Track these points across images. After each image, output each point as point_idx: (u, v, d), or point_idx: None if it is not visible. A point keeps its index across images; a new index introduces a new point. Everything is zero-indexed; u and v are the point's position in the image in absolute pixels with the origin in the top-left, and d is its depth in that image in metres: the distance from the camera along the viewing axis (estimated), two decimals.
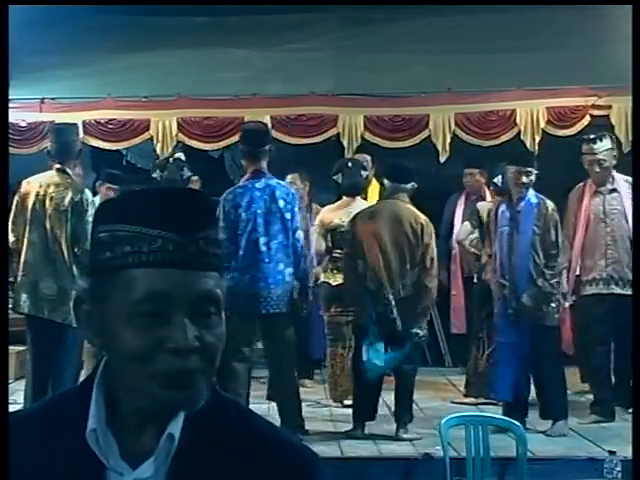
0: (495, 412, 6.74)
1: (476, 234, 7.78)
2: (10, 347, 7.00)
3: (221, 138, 9.06)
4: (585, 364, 7.57)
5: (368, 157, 8.38)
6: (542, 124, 8.88)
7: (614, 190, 7.31)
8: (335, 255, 7.67)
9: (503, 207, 7.04)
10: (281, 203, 6.59)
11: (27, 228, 6.65)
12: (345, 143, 8.98)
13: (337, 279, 7.56)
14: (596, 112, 8.83)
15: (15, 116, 8.68)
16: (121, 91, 9.10)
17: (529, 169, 6.90)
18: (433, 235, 6.94)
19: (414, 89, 9.03)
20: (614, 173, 7.34)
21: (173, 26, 9.67)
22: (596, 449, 6.41)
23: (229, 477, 1.44)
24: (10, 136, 8.02)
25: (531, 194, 6.96)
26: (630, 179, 7.34)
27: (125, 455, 1.43)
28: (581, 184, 7.45)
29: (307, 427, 6.78)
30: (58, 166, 6.73)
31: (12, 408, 6.05)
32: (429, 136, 8.96)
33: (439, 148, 8.92)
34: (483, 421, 5.26)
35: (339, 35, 9.66)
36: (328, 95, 9.08)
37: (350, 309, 7.27)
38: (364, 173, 7.86)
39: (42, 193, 6.63)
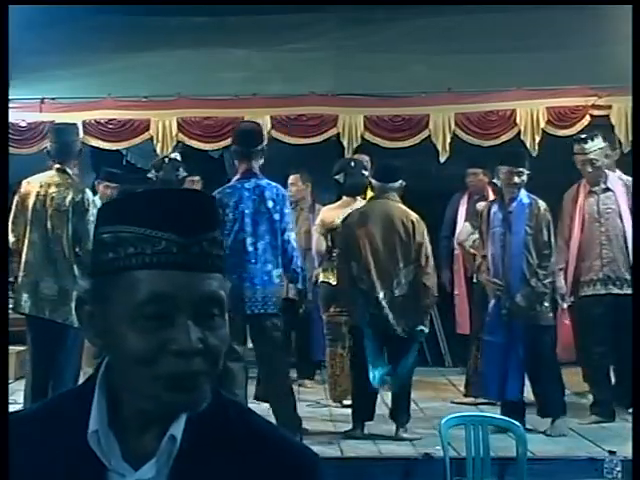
0: (495, 412, 6.74)
1: (477, 234, 7.79)
2: (10, 347, 7.00)
3: (221, 138, 9.05)
4: (585, 365, 7.56)
5: (367, 157, 8.38)
6: (542, 124, 8.87)
7: (608, 189, 7.30)
8: (335, 255, 7.68)
9: (495, 208, 7.05)
10: (270, 204, 6.57)
11: (28, 228, 6.64)
12: (345, 143, 8.98)
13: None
14: (596, 112, 8.83)
15: (15, 116, 8.68)
16: (121, 91, 9.10)
17: (520, 169, 6.90)
18: (425, 233, 6.94)
19: (414, 89, 9.03)
20: (608, 172, 7.34)
21: (173, 26, 9.67)
22: (596, 449, 6.41)
23: (230, 478, 1.43)
24: (10, 136, 8.02)
25: (523, 194, 6.97)
26: (625, 177, 7.35)
27: (127, 456, 1.43)
28: (575, 184, 7.45)
29: (307, 427, 6.78)
30: (58, 166, 6.73)
31: (12, 408, 6.06)
32: (429, 136, 8.96)
33: (439, 148, 8.91)
34: (483, 421, 5.26)
35: (339, 35, 9.66)
36: (328, 95, 9.08)
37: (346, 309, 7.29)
38: (365, 173, 7.87)
39: (43, 193, 6.63)
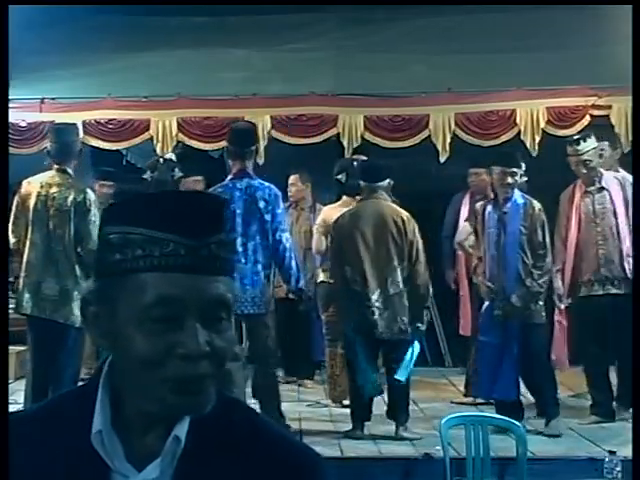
0: (495, 412, 6.74)
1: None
2: (10, 347, 7.00)
3: (221, 138, 9.02)
4: (584, 365, 7.57)
5: (365, 158, 8.37)
6: (542, 124, 8.87)
7: (602, 189, 7.29)
8: (328, 257, 7.68)
9: (490, 208, 7.06)
10: (261, 204, 6.57)
11: (29, 229, 6.64)
12: (345, 143, 8.97)
13: None
14: (596, 112, 8.83)
15: (15, 116, 8.68)
16: (121, 91, 9.10)
17: (514, 170, 6.90)
18: (416, 230, 6.96)
19: (414, 89, 9.02)
20: (603, 171, 7.34)
21: (173, 26, 9.66)
22: (596, 449, 6.41)
23: (233, 478, 1.43)
24: (10, 136, 8.01)
25: (517, 194, 6.98)
26: (620, 175, 7.35)
27: (130, 457, 1.43)
28: (571, 185, 7.45)
29: (307, 427, 6.79)
30: (58, 166, 6.73)
31: (12, 408, 6.05)
32: (429, 136, 8.96)
33: (439, 148, 8.91)
34: (483, 421, 5.26)
35: (339, 35, 9.65)
36: (328, 95, 9.07)
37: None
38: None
39: (44, 193, 6.63)
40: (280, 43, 9.50)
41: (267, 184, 6.67)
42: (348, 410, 7.17)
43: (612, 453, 6.12)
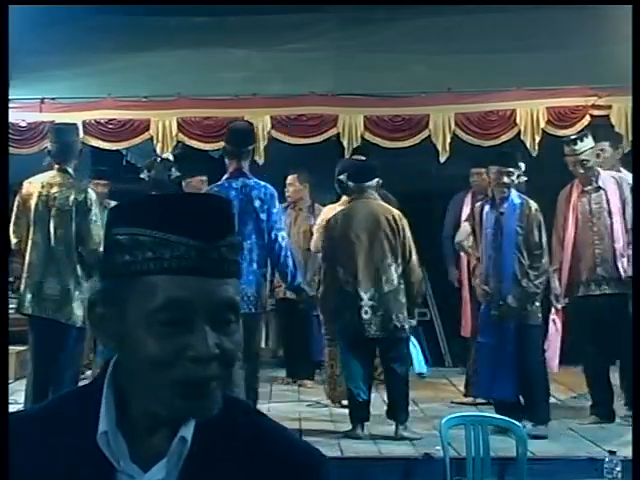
0: (495, 412, 6.74)
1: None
2: (10, 347, 7.00)
3: (221, 138, 8.97)
4: (583, 366, 7.57)
5: (364, 159, 8.37)
6: (542, 124, 8.86)
7: (599, 188, 7.29)
8: (320, 260, 7.69)
9: (487, 208, 7.06)
10: (257, 203, 6.56)
11: (31, 229, 6.64)
12: (345, 143, 8.97)
13: None
14: (596, 112, 8.82)
15: (15, 116, 8.67)
16: (121, 91, 9.09)
17: (510, 169, 6.90)
18: (407, 228, 7.00)
19: (414, 89, 9.02)
20: (600, 170, 7.33)
21: (173, 26, 9.66)
22: (596, 449, 6.41)
23: (238, 478, 1.43)
24: (10, 136, 8.01)
25: (514, 194, 6.97)
26: (617, 175, 7.34)
27: (135, 458, 1.43)
28: (569, 184, 7.45)
29: (307, 427, 6.79)
30: (58, 166, 6.73)
31: (12, 408, 6.06)
32: (429, 136, 8.95)
33: (439, 148, 8.90)
34: (483, 421, 5.26)
35: (339, 35, 9.65)
36: (328, 95, 9.07)
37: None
38: None
39: (45, 194, 6.63)
40: (280, 43, 9.50)
41: (263, 183, 6.67)
42: (347, 410, 7.17)
43: (612, 453, 6.11)
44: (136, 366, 1.39)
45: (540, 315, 7.00)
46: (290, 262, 6.70)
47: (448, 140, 8.90)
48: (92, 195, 6.71)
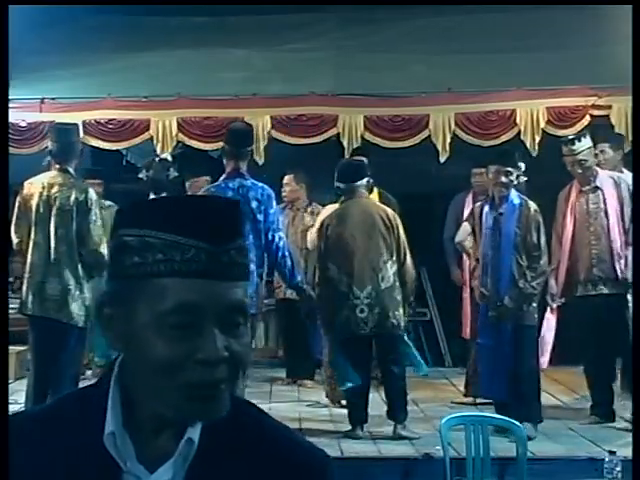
0: (495, 412, 6.74)
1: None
2: (10, 347, 7.00)
3: (221, 138, 8.96)
4: (583, 366, 7.57)
5: (365, 159, 8.37)
6: (542, 124, 8.86)
7: (597, 188, 7.27)
8: (316, 260, 7.69)
9: (487, 208, 7.04)
10: (254, 204, 6.55)
11: (32, 229, 6.64)
12: (345, 143, 8.97)
13: None
14: (596, 112, 8.82)
15: (15, 116, 8.67)
16: (121, 91, 9.09)
17: (509, 169, 6.88)
18: (401, 225, 7.03)
19: (414, 89, 9.02)
20: (599, 170, 7.31)
21: (173, 26, 9.66)
22: (596, 449, 6.41)
23: (244, 479, 1.43)
24: (10, 136, 8.01)
25: (514, 194, 6.94)
26: (616, 175, 7.33)
27: (142, 458, 1.42)
28: (568, 184, 7.44)
29: (307, 427, 6.79)
30: (59, 166, 6.73)
31: (12, 408, 6.07)
32: (429, 136, 8.95)
33: (439, 148, 8.91)
34: (483, 421, 5.26)
35: (339, 35, 9.65)
36: (328, 95, 9.07)
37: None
38: (368, 174, 7.86)
39: (46, 194, 6.63)
40: (280, 43, 9.50)
41: (260, 184, 6.66)
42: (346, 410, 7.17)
43: (612, 453, 6.11)
44: (144, 368, 1.39)
45: (536, 316, 6.99)
46: (289, 262, 6.71)
47: (448, 140, 8.90)
48: (93, 195, 6.72)
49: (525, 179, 7.09)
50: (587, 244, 7.24)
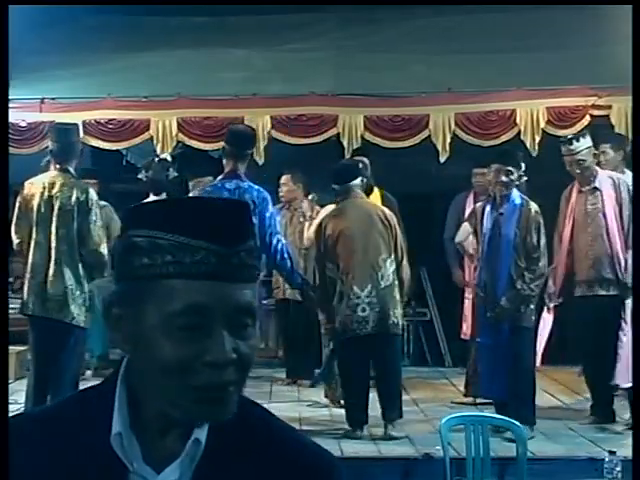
0: (495, 412, 6.74)
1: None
2: (10, 347, 7.00)
3: (221, 138, 8.96)
4: (582, 366, 7.57)
5: (366, 160, 8.38)
6: (542, 124, 8.87)
7: (595, 189, 7.25)
8: (314, 260, 7.69)
9: (488, 209, 7.03)
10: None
11: (33, 230, 6.63)
12: (345, 143, 8.97)
13: None
14: (596, 112, 8.82)
15: (15, 116, 8.68)
16: (121, 91, 9.09)
17: (510, 168, 6.86)
18: (397, 224, 7.04)
19: (414, 89, 9.03)
20: (598, 170, 7.29)
21: (173, 26, 9.67)
22: (596, 449, 6.41)
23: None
24: (10, 136, 8.01)
25: (515, 195, 6.93)
26: (615, 175, 7.30)
27: (148, 459, 1.42)
28: (570, 185, 7.43)
29: (307, 427, 6.78)
30: (59, 166, 6.73)
31: (12, 408, 6.06)
32: (429, 136, 8.95)
33: (439, 148, 8.91)
34: (483, 421, 5.26)
35: (339, 35, 9.66)
36: (328, 95, 9.07)
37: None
38: (368, 174, 7.88)
39: (47, 194, 6.63)
40: (280, 43, 9.50)
41: (256, 187, 6.65)
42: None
43: (612, 453, 6.11)
44: (152, 369, 1.38)
45: (534, 318, 6.97)
46: (288, 263, 6.71)
47: (448, 140, 8.91)
48: (93, 195, 6.71)
49: (525, 179, 7.08)
50: (585, 245, 7.22)
